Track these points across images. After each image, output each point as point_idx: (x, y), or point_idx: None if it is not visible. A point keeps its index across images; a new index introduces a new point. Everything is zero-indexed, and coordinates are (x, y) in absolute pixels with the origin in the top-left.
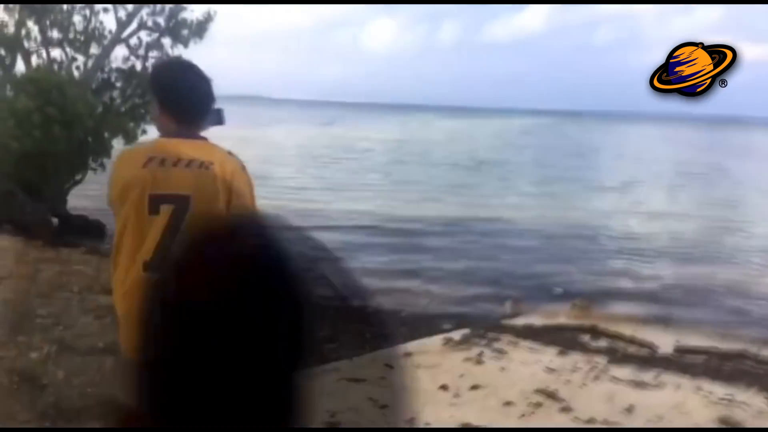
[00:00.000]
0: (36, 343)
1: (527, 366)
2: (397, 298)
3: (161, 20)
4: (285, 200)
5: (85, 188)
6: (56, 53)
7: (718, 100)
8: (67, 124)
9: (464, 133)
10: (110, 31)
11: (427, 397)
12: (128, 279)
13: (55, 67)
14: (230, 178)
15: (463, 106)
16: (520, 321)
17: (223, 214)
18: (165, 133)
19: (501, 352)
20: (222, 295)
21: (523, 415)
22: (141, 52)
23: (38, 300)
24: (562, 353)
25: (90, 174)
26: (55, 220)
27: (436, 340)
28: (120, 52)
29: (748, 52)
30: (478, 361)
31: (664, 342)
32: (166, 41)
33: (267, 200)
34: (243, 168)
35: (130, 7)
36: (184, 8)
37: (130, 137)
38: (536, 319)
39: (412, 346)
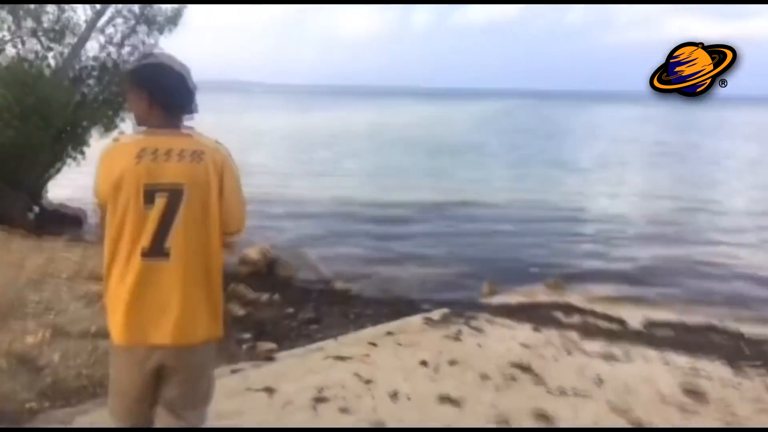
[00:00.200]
0: (30, 328)
1: (503, 342)
2: (378, 283)
3: (136, 8)
4: (265, 188)
5: (62, 178)
6: (31, 44)
7: None
8: (45, 115)
9: (440, 116)
10: (85, 21)
11: (408, 372)
12: (129, 267)
13: (31, 56)
14: (221, 167)
15: (440, 88)
16: (496, 300)
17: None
18: (150, 125)
19: (478, 329)
20: None
21: (499, 387)
22: (116, 40)
23: (28, 287)
24: (536, 329)
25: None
26: (33, 210)
27: (417, 319)
28: (95, 41)
29: (720, 29)
30: (456, 338)
31: (634, 317)
32: (142, 29)
33: (247, 188)
34: (230, 156)
35: None
36: None
37: (108, 127)
38: (512, 298)
39: (393, 325)
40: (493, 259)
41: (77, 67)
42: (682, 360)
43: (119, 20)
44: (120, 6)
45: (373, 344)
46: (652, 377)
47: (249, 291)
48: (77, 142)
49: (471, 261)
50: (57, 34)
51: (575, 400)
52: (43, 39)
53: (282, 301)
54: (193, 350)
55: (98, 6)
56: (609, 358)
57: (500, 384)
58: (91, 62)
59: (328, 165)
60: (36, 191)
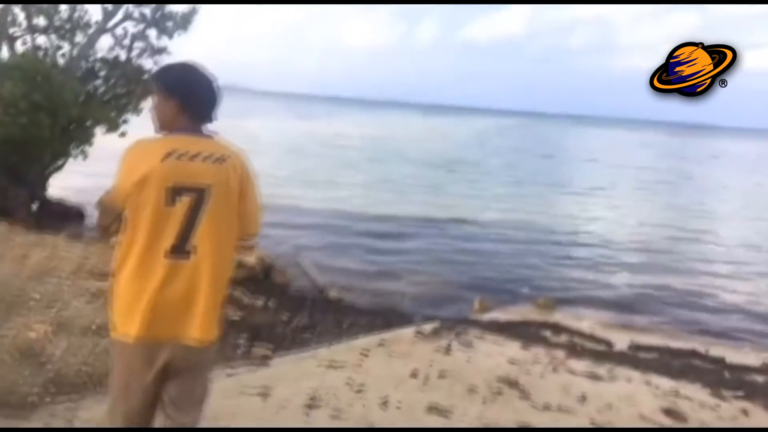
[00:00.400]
0: (33, 323)
1: (491, 357)
2: (371, 295)
3: (147, 11)
4: (263, 195)
5: (64, 175)
6: (42, 40)
7: (690, 110)
8: (52, 111)
9: (440, 131)
10: (96, 21)
11: (399, 381)
12: (151, 265)
13: (40, 54)
14: (241, 172)
15: (439, 104)
16: (486, 317)
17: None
18: (174, 130)
19: (468, 344)
20: None
21: (485, 400)
22: (126, 42)
23: (31, 282)
24: (524, 347)
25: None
26: (34, 205)
27: (408, 331)
28: (105, 41)
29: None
30: (447, 351)
31: (620, 339)
32: (151, 32)
33: None
34: (248, 161)
35: None
36: None
37: (112, 126)
38: (502, 316)
39: (385, 336)
40: (486, 276)
41: (85, 66)
42: (664, 382)
43: (129, 23)
44: (131, 8)
45: (366, 353)
46: (633, 397)
47: (245, 295)
48: (81, 139)
49: (463, 278)
50: (68, 32)
51: (559, 415)
52: (53, 36)
53: (277, 308)
54: (205, 349)
55: (109, 7)
56: (593, 377)
57: (487, 397)
58: (99, 62)
59: (325, 174)
60: (37, 186)
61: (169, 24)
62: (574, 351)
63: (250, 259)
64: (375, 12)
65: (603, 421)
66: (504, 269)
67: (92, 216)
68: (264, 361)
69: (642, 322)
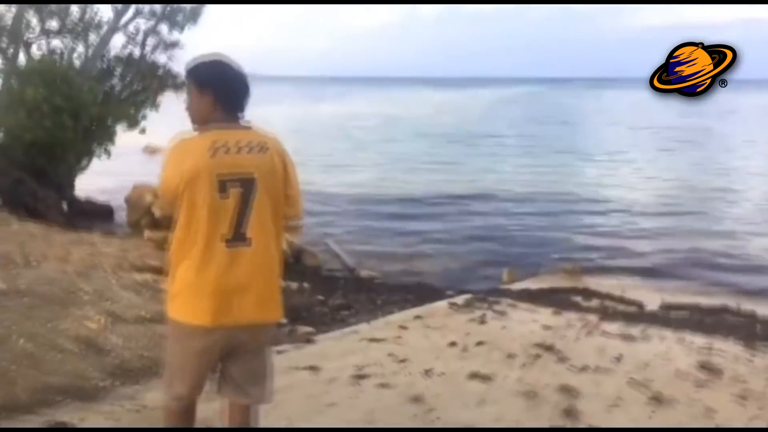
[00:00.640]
0: (90, 315)
1: (526, 324)
2: (401, 272)
3: (157, 7)
4: None
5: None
6: (56, 43)
7: None
8: (73, 112)
9: (452, 105)
10: (108, 20)
11: (439, 352)
12: (211, 254)
13: (56, 57)
14: (282, 157)
15: (449, 76)
16: (517, 286)
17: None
18: (210, 123)
19: (501, 313)
20: None
21: (524, 365)
22: (139, 38)
23: (78, 279)
24: (556, 313)
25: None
26: (64, 205)
27: (442, 304)
28: (118, 40)
29: (738, 12)
30: (482, 321)
31: (651, 301)
32: (163, 27)
33: None
34: (285, 146)
35: None
36: None
37: (131, 123)
38: (532, 284)
39: (420, 310)
40: (512, 248)
41: (100, 65)
42: (697, 339)
43: (140, 19)
44: (141, 6)
45: (404, 327)
46: (668, 354)
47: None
48: (104, 137)
49: (490, 250)
50: (81, 33)
51: (597, 376)
52: (67, 38)
53: (312, 289)
54: (268, 329)
55: (119, 6)
56: (627, 338)
57: (526, 362)
58: (113, 61)
59: (344, 157)
60: (65, 186)
61: (180, 17)
62: (606, 314)
63: (297, 240)
64: None
65: (641, 379)
66: (530, 240)
67: (120, 213)
68: (308, 339)
69: (671, 284)
